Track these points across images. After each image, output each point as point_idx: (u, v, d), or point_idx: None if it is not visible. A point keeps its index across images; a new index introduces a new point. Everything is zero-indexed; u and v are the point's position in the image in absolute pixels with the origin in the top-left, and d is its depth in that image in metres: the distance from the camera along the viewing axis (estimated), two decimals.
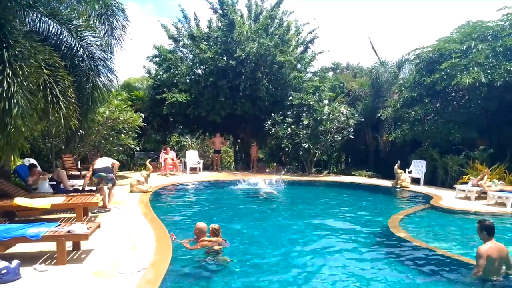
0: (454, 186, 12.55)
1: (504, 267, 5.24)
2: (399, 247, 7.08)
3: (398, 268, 6.05)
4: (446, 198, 11.85)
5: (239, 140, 21.56)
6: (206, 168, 18.66)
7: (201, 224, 6.46)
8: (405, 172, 14.51)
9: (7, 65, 6.29)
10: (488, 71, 13.01)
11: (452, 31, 16.02)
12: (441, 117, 15.42)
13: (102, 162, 9.24)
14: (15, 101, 6.15)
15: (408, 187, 13.86)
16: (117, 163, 9.60)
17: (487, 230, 5.28)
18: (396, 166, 14.10)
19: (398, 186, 14.01)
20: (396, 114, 17.10)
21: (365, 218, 10.20)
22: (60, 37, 9.27)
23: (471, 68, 13.35)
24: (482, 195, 11.55)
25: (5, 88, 6.15)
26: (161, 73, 18.89)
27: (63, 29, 9.13)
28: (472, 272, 5.19)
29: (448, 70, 13.98)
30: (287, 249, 7.10)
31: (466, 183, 12.55)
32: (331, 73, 23.88)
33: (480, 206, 10.62)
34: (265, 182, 14.12)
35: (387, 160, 17.76)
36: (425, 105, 15.69)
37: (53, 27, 9.16)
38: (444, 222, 9.48)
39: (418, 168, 15.31)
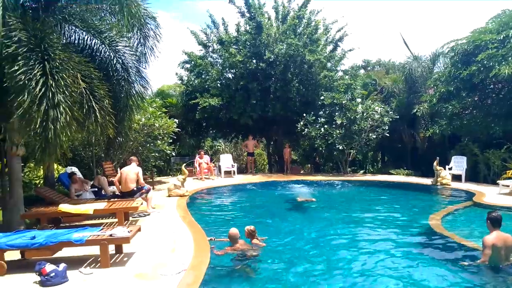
0: (498, 181, 12.05)
1: None
2: (442, 246, 6.88)
3: (442, 267, 5.88)
4: (489, 194, 11.38)
5: (272, 142, 21.57)
6: (241, 171, 18.78)
7: (232, 231, 6.45)
8: (445, 169, 14.04)
9: (49, 77, 6.58)
10: None
11: (487, 21, 15.33)
12: (480, 110, 14.83)
13: (128, 173, 9.30)
14: (60, 110, 6.43)
15: (449, 184, 13.40)
16: (140, 170, 9.49)
17: (492, 221, 5.52)
18: (435, 163, 13.66)
19: (438, 183, 13.57)
20: (433, 110, 16.60)
21: (405, 217, 9.96)
22: (95, 48, 9.59)
23: (510, 59, 12.78)
24: None
25: (50, 98, 6.44)
26: (192, 79, 19.23)
27: (97, 41, 9.44)
28: (479, 260, 5.48)
29: (485, 62, 13.44)
30: (328, 251, 7.01)
31: (510, 178, 12.03)
32: (362, 71, 23.49)
33: None
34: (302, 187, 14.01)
35: (425, 157, 17.26)
36: (462, 99, 15.14)
37: (88, 39, 9.48)
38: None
39: (458, 164, 14.78)
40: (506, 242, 5.39)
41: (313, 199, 11.34)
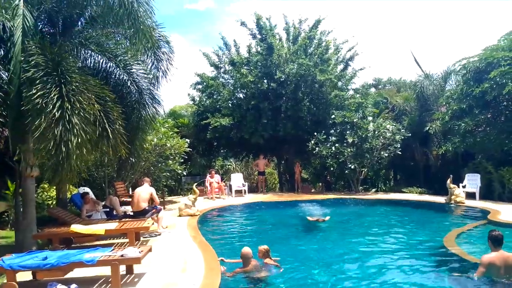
0: None
1: None
2: (457, 265, 6.74)
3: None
4: (504, 212, 11.15)
5: (283, 162, 21.55)
6: (252, 190, 18.75)
7: (244, 251, 6.39)
8: (458, 186, 13.84)
9: (66, 99, 6.76)
10: None
11: (499, 39, 15.34)
12: (494, 127, 14.70)
13: (140, 193, 9.41)
14: (75, 132, 6.58)
15: (463, 202, 13.18)
16: (153, 190, 9.67)
17: (492, 240, 5.67)
18: (448, 181, 13.47)
19: (452, 201, 13.35)
20: (445, 127, 16.48)
21: (419, 236, 9.83)
22: (109, 71, 9.84)
23: None
24: None
25: (66, 120, 6.61)
26: (204, 99, 19.50)
27: (112, 64, 9.70)
28: (474, 274, 5.65)
29: (498, 79, 13.41)
30: (340, 271, 6.92)
31: None
32: (373, 89, 23.53)
33: None
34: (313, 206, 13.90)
35: (438, 175, 17.05)
36: (475, 116, 15.02)
37: (103, 62, 9.74)
38: (504, 238, 8.90)
39: (472, 182, 14.56)
40: (507, 261, 5.47)
41: (325, 219, 11.21)
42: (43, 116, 6.50)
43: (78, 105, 6.85)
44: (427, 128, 17.43)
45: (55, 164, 6.51)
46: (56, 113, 6.58)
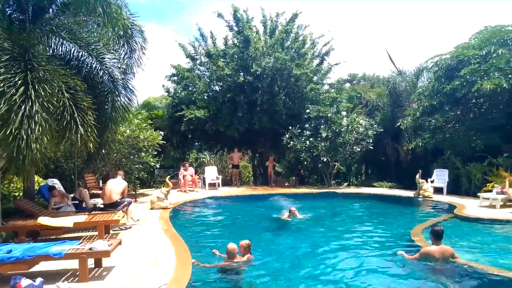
0: (478, 194, 12.24)
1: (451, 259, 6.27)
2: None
3: (421, 279, 5.97)
4: (470, 207, 11.54)
5: (257, 155, 21.59)
6: (226, 183, 18.71)
7: (231, 246, 6.40)
8: (427, 181, 14.22)
9: (30, 86, 6.53)
10: (510, 75, 12.70)
11: (470, 37, 15.75)
12: (463, 124, 15.14)
13: (112, 187, 9.25)
14: (37, 120, 6.36)
15: (431, 197, 13.57)
16: (126, 184, 9.55)
17: (434, 234, 6.39)
18: (417, 176, 13.83)
19: (421, 196, 13.72)
20: (416, 123, 16.85)
21: (387, 229, 10.04)
22: (81, 60, 9.59)
23: (491, 74, 13.09)
24: (508, 203, 11.20)
25: (28, 107, 6.38)
26: (179, 91, 19.24)
27: (84, 52, 9.44)
28: (410, 257, 6.56)
29: (468, 77, 13.73)
30: (311, 263, 7.00)
31: (490, 191, 12.25)
32: (347, 85, 23.82)
33: (506, 214, 10.31)
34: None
35: (408, 170, 17.45)
36: (445, 113, 15.43)
37: (74, 50, 9.48)
38: (469, 232, 9.23)
39: (440, 177, 14.98)
40: (444, 254, 6.24)
41: (297, 214, 11.19)
42: (3, 100, 6.25)
43: (43, 93, 6.63)
44: (399, 123, 17.79)
45: (12, 152, 6.26)
46: (18, 99, 6.36)
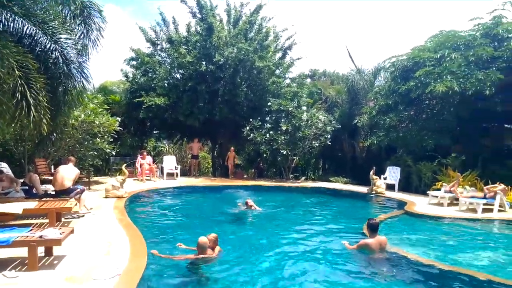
0: (428, 192, 12.82)
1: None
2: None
3: (371, 273, 6.17)
4: (419, 204, 12.08)
5: (217, 146, 21.49)
6: (184, 174, 18.51)
7: (202, 240, 6.33)
8: (380, 178, 14.74)
9: None
10: (461, 79, 13.30)
11: (426, 40, 16.39)
12: (415, 124, 15.79)
13: (64, 173, 8.91)
14: None
15: (383, 193, 14.07)
16: (78, 172, 9.25)
17: (369, 227, 7.00)
18: (371, 172, 14.30)
19: (373, 192, 14.21)
20: (372, 121, 17.38)
21: (340, 224, 10.31)
22: (35, 39, 9.05)
23: (444, 77, 13.66)
24: (454, 201, 11.83)
25: None
26: (138, 76, 18.73)
27: (38, 31, 8.91)
28: (350, 247, 7.14)
29: (422, 78, 14.26)
30: (264, 256, 7.07)
31: (439, 189, 12.86)
32: (308, 80, 24.14)
33: (452, 212, 10.89)
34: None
35: (363, 166, 17.99)
36: (399, 112, 16.02)
37: (27, 28, 8.92)
38: (418, 228, 9.68)
39: (393, 174, 15.57)
40: (381, 244, 6.84)
41: (254, 206, 11.24)
42: None
43: None
44: (356, 121, 18.29)
45: None
46: None
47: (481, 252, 7.50)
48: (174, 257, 6.34)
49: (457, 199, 11.58)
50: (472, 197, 11.15)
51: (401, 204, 12.26)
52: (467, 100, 13.83)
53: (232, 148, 18.68)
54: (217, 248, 6.64)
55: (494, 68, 13.24)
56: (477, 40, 13.96)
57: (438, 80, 13.72)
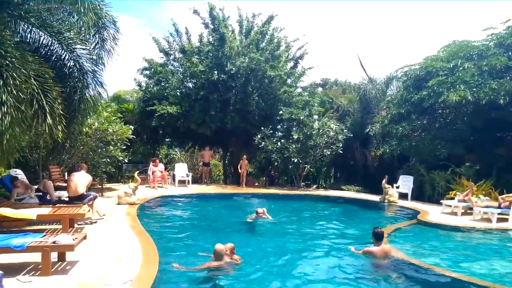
0: (441, 201, 12.68)
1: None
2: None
3: (385, 283, 6.09)
4: (433, 213, 11.94)
5: (228, 154, 21.55)
6: (195, 181, 18.57)
7: (219, 247, 6.40)
8: (392, 187, 14.62)
9: None
10: (474, 89, 13.20)
11: (439, 50, 16.33)
12: (428, 133, 15.65)
13: (78, 179, 9.03)
14: (5, 110, 6.12)
15: (396, 202, 13.95)
16: (91, 178, 9.40)
17: (375, 236, 7.07)
18: (383, 181, 14.20)
19: (386, 201, 14.10)
20: (384, 130, 17.29)
21: (352, 232, 10.23)
22: (51, 48, 9.27)
23: (457, 86, 13.58)
24: (468, 211, 11.67)
25: None
26: (151, 85, 18.99)
27: (54, 41, 9.13)
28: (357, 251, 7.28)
29: (435, 88, 14.20)
30: (278, 265, 7.07)
31: (452, 198, 12.70)
32: (320, 89, 24.16)
33: (466, 221, 10.74)
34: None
35: (375, 175, 17.89)
36: (412, 121, 15.91)
37: (44, 38, 9.17)
38: (431, 237, 9.56)
39: (405, 183, 15.43)
40: (386, 253, 6.95)
41: (266, 215, 11.18)
42: None
43: (11, 82, 6.37)
44: (368, 130, 18.20)
45: None
46: None
47: (495, 262, 7.37)
48: (196, 268, 6.32)
49: (471, 209, 11.42)
50: (487, 206, 10.98)
51: (414, 213, 12.14)
52: (481, 110, 13.70)
53: (244, 156, 18.65)
54: (236, 256, 6.66)
55: (508, 78, 13.12)
56: (490, 50, 13.86)
57: (451, 90, 13.62)
